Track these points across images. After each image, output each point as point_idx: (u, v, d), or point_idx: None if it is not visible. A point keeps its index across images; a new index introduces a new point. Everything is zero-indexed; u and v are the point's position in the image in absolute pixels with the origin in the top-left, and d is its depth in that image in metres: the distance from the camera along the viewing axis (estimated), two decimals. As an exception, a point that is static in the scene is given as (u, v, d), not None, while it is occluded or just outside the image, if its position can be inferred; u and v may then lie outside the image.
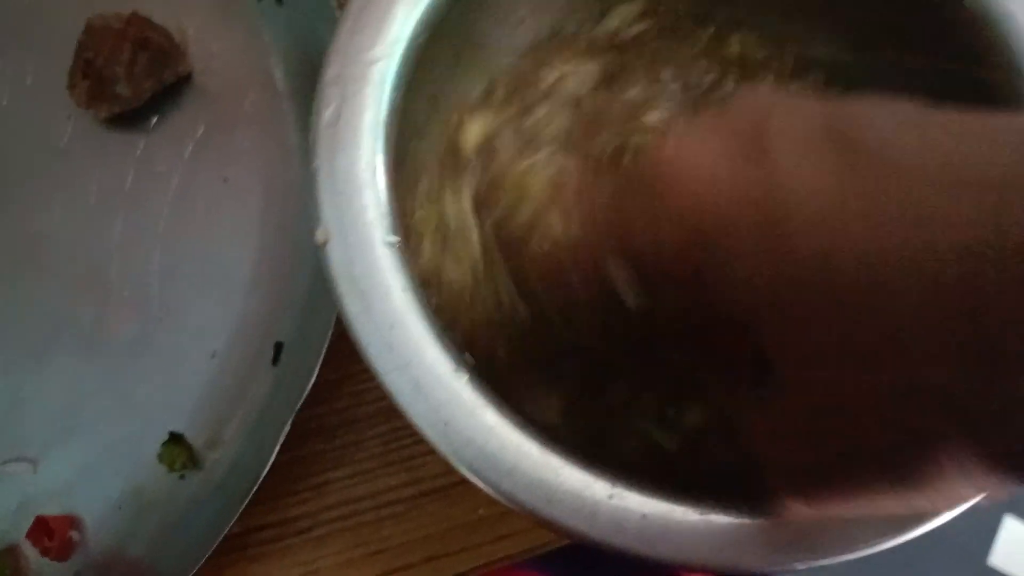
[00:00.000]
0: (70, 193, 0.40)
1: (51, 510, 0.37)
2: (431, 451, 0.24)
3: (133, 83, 0.38)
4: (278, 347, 0.37)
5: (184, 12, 0.41)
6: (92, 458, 0.37)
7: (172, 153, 0.40)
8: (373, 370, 0.24)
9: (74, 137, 0.40)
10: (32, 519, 0.37)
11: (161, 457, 0.37)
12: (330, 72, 0.25)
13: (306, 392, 0.35)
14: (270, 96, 0.40)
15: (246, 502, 0.34)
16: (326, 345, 0.34)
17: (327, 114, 0.25)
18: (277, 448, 0.34)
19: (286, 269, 0.37)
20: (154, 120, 0.40)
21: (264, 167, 0.39)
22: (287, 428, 0.34)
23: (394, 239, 0.24)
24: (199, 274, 0.38)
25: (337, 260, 0.24)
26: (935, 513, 0.23)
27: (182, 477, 0.37)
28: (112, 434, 0.38)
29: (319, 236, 0.24)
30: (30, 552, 0.37)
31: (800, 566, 0.23)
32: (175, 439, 0.37)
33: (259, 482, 0.34)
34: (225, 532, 0.34)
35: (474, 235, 0.31)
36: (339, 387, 0.38)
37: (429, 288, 0.31)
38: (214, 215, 0.39)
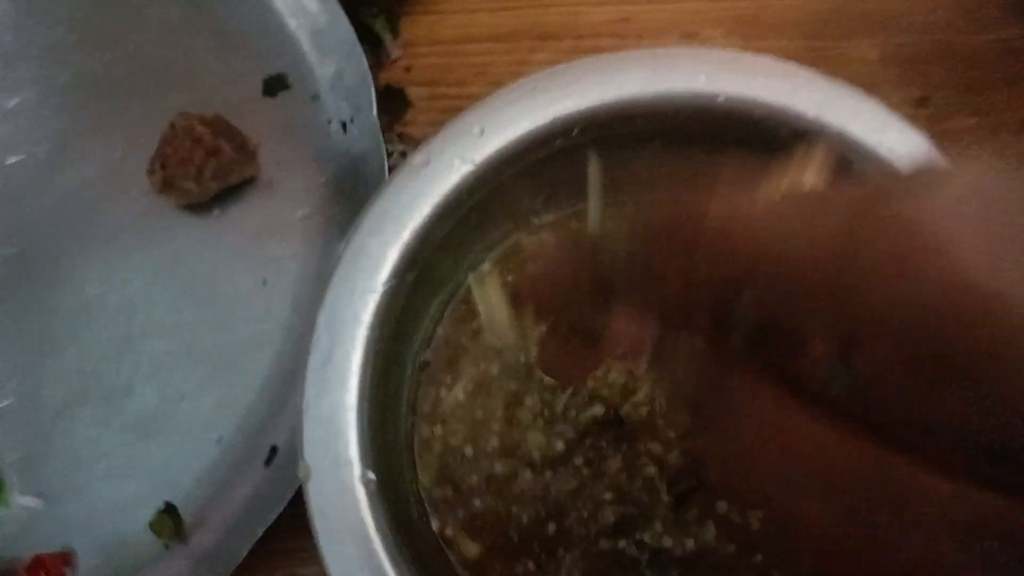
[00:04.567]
0: (128, 266, 0.44)
1: (51, 546, 0.41)
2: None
3: (200, 183, 0.42)
4: (273, 450, 0.40)
5: (263, 119, 0.46)
6: (96, 510, 0.41)
7: (224, 245, 0.44)
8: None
9: (144, 216, 0.45)
10: (33, 550, 0.41)
11: (152, 525, 0.40)
12: (323, 315, 0.28)
13: (288, 497, 0.38)
14: (319, 214, 0.43)
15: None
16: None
17: (318, 356, 0.27)
18: (253, 542, 0.38)
19: (293, 380, 0.40)
20: (216, 212, 0.45)
21: (299, 279, 0.43)
22: (266, 526, 0.38)
23: (372, 476, 0.27)
24: (221, 364, 0.42)
25: (315, 497, 0.27)
26: None
27: (167, 547, 0.40)
28: (117, 492, 0.41)
29: (301, 472, 0.27)
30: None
31: None
32: (170, 509, 0.40)
33: (231, 570, 0.38)
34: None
35: None
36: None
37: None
38: (246, 313, 0.43)
